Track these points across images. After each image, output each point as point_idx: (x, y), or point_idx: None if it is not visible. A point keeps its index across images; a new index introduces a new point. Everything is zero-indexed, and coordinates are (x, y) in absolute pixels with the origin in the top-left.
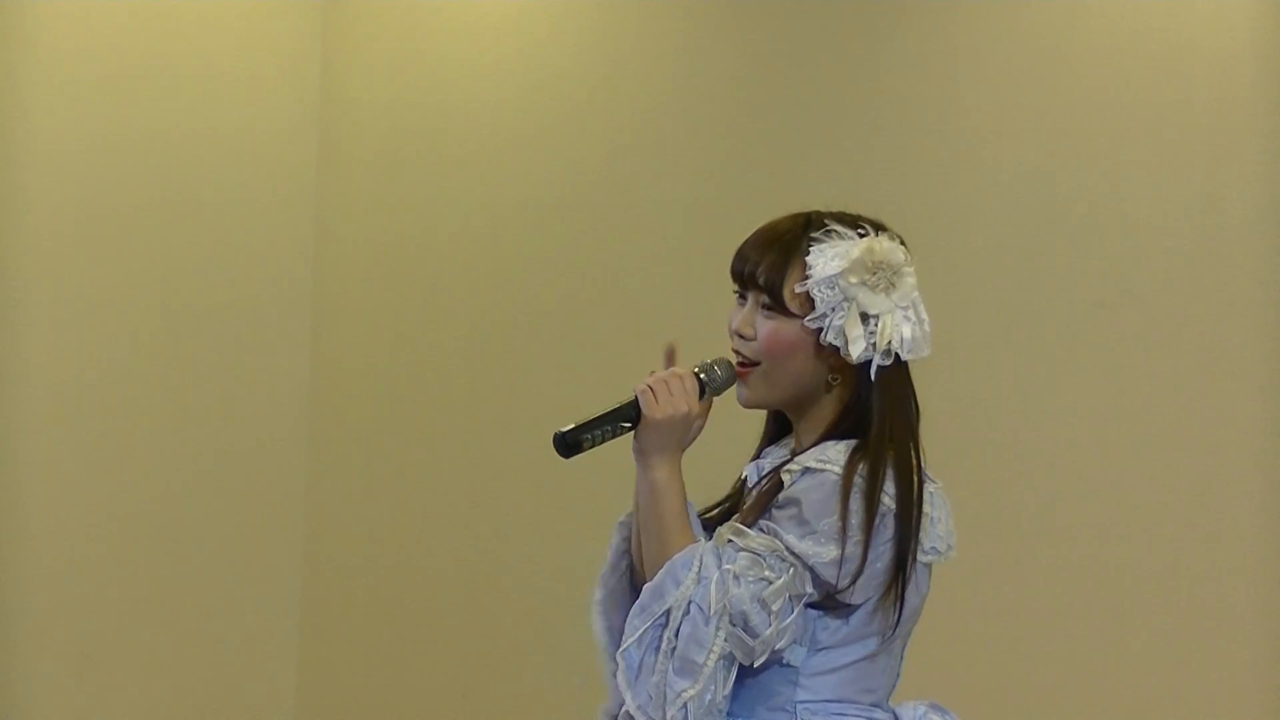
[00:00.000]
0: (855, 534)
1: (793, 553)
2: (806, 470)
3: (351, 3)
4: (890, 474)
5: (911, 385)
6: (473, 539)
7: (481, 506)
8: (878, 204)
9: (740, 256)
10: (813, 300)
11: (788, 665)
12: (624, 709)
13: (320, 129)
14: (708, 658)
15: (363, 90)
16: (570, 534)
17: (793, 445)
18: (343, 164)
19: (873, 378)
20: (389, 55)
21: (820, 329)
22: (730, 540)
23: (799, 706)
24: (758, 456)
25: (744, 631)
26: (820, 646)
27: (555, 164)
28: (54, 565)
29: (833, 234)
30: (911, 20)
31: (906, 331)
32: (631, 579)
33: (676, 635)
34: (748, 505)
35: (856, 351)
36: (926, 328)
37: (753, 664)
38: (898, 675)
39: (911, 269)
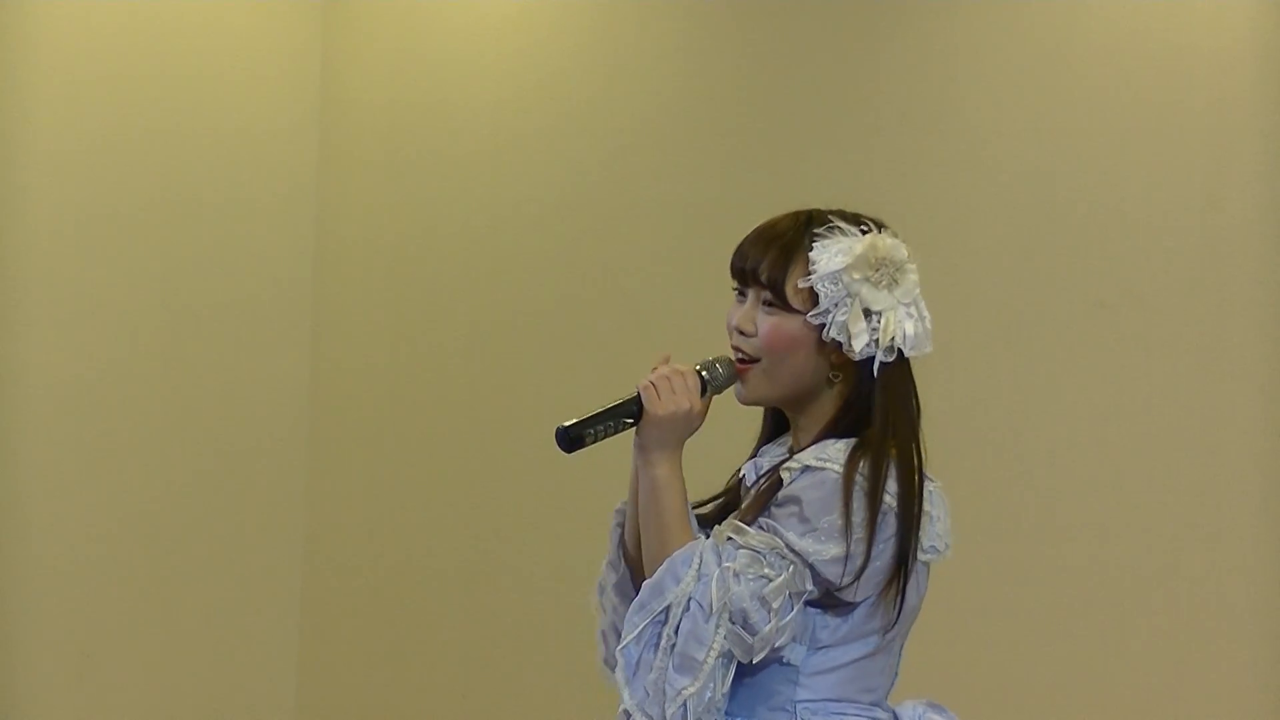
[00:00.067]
0: (857, 532)
1: (793, 550)
2: (806, 468)
3: (351, 3)
4: (892, 472)
5: (913, 382)
6: (473, 539)
7: (481, 506)
8: (878, 204)
9: (740, 254)
10: (815, 296)
11: (788, 664)
12: (622, 707)
13: (320, 129)
14: (707, 655)
15: (363, 90)
16: (570, 534)
17: (790, 444)
18: (343, 164)
19: (875, 374)
20: (389, 55)
21: (822, 325)
22: (730, 538)
23: (799, 706)
24: (755, 455)
25: (743, 629)
26: (820, 645)
27: (555, 164)
28: (54, 565)
29: (836, 230)
30: (911, 20)
31: (909, 328)
32: (626, 564)
33: (676, 632)
34: (747, 503)
35: (860, 347)
36: (928, 324)
37: (751, 661)
38: (896, 674)
39: (914, 266)
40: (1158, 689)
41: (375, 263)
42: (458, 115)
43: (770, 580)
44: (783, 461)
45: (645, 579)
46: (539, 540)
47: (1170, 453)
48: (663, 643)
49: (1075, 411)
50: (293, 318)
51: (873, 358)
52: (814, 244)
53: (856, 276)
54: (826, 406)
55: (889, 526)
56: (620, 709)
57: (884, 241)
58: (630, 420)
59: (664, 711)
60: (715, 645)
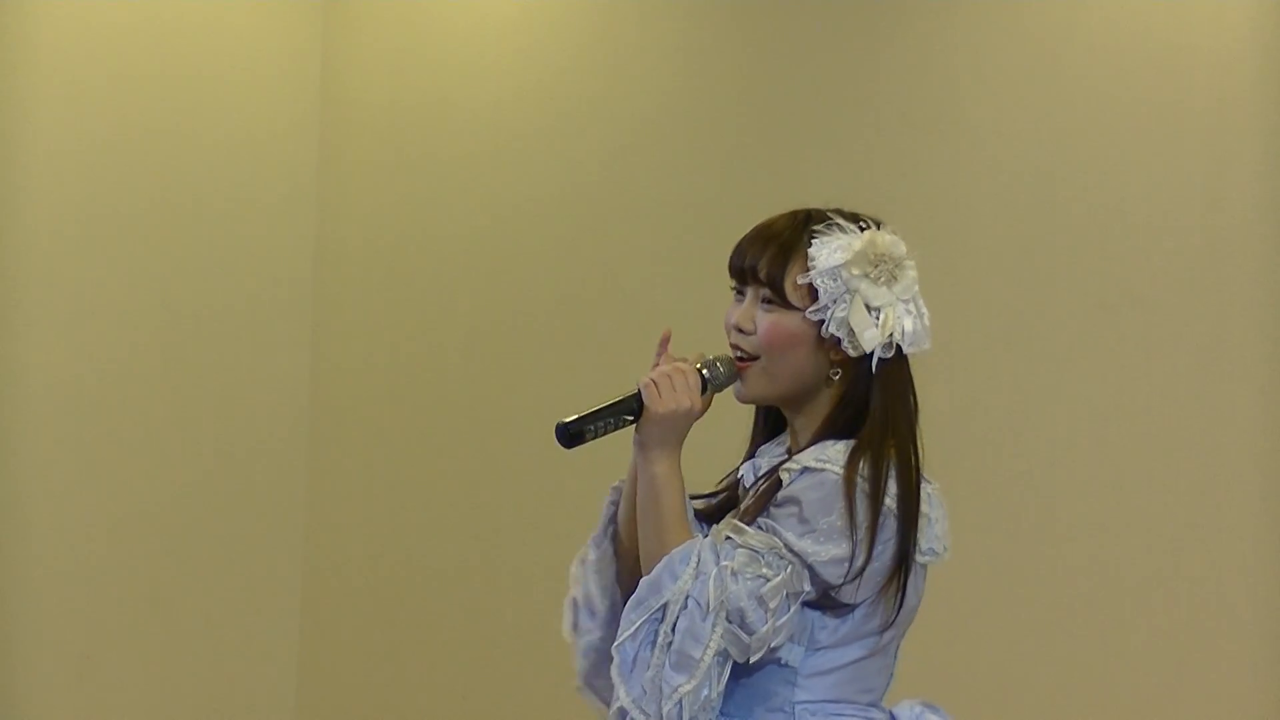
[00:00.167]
0: (858, 534)
1: (792, 550)
2: (806, 469)
3: (351, 3)
4: (892, 473)
5: (911, 379)
6: (473, 539)
7: (481, 506)
8: (878, 203)
9: (739, 252)
10: (815, 292)
11: (786, 665)
12: (618, 704)
13: (320, 129)
14: (704, 653)
15: (363, 90)
16: (570, 534)
17: (788, 444)
18: (343, 164)
19: (874, 370)
20: (389, 55)
21: (822, 321)
22: (728, 537)
23: (797, 707)
24: (752, 455)
25: (740, 628)
26: (819, 646)
27: (555, 164)
28: (54, 566)
29: (834, 227)
30: (911, 20)
31: (908, 324)
32: (615, 548)
33: (673, 630)
34: (746, 504)
35: (863, 343)
36: (926, 321)
37: (748, 661)
38: (892, 675)
39: (912, 262)
40: (1158, 689)
41: (375, 263)
42: (458, 115)
43: (768, 580)
44: (782, 462)
45: (639, 574)
46: (539, 540)
47: (1170, 453)
48: (659, 640)
49: (1075, 412)
50: (293, 318)
51: (872, 354)
52: (813, 241)
53: (855, 272)
54: (825, 405)
55: (888, 528)
56: (615, 706)
57: (883, 238)
58: (630, 417)
59: (660, 709)
60: (712, 644)
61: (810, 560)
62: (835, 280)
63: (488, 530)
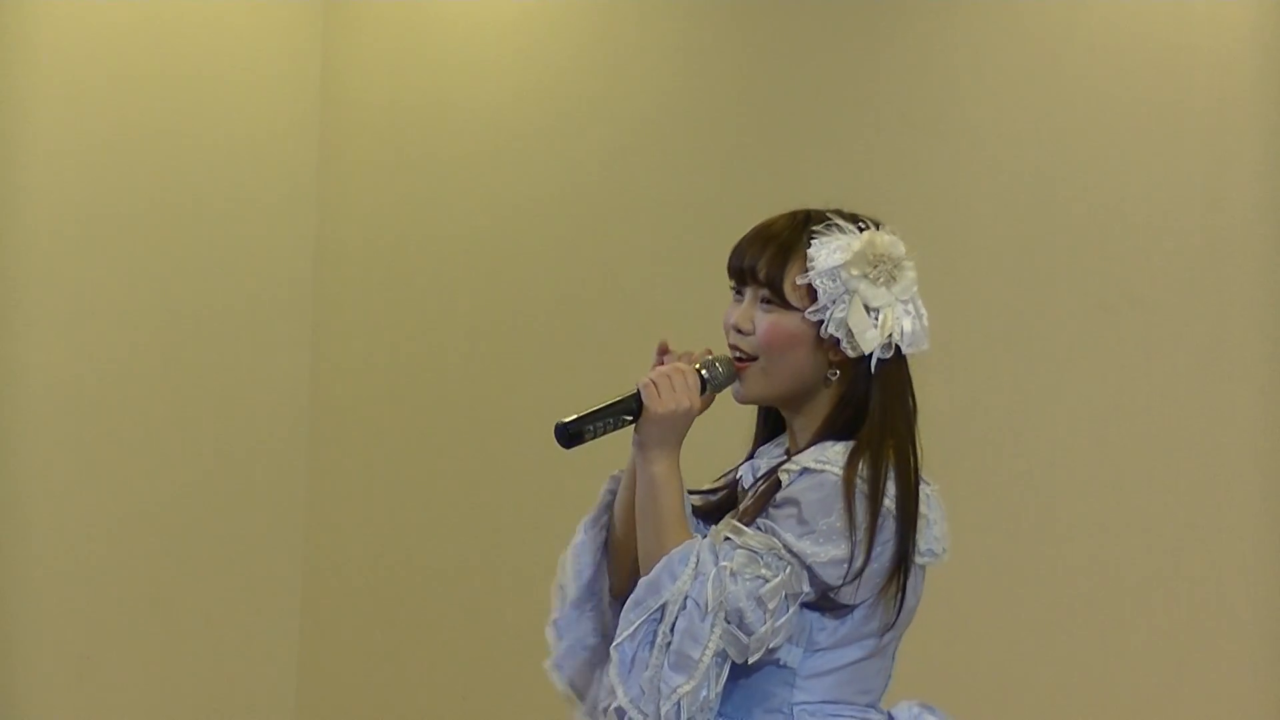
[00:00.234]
0: (857, 534)
1: (791, 551)
2: (805, 470)
3: (351, 3)
4: (891, 474)
5: (910, 380)
6: (473, 539)
7: (482, 507)
8: (878, 203)
9: (738, 253)
10: (814, 293)
11: (784, 667)
12: (615, 704)
13: (320, 130)
14: (703, 653)
15: (363, 91)
16: (570, 534)
17: (787, 445)
18: (343, 165)
19: (873, 371)
20: (389, 56)
21: (821, 321)
22: (727, 538)
23: (795, 708)
24: (751, 457)
25: (739, 629)
26: (817, 648)
27: (555, 164)
28: (54, 566)
29: (833, 228)
30: (911, 20)
31: (907, 325)
32: (606, 537)
33: (672, 630)
34: (745, 505)
35: (862, 343)
36: (925, 322)
37: (747, 662)
38: (889, 676)
39: (911, 263)
40: (1158, 689)
41: (375, 263)
42: (458, 115)
43: (767, 581)
44: (781, 463)
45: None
46: (539, 540)
47: (1170, 453)
48: (658, 640)
49: (1075, 412)
50: (293, 318)
51: (870, 355)
52: (812, 241)
53: (855, 273)
54: (824, 405)
55: (887, 529)
56: (614, 706)
57: (881, 238)
58: (630, 417)
59: (658, 709)
60: (711, 644)
61: (809, 561)
62: (834, 281)
63: (488, 530)
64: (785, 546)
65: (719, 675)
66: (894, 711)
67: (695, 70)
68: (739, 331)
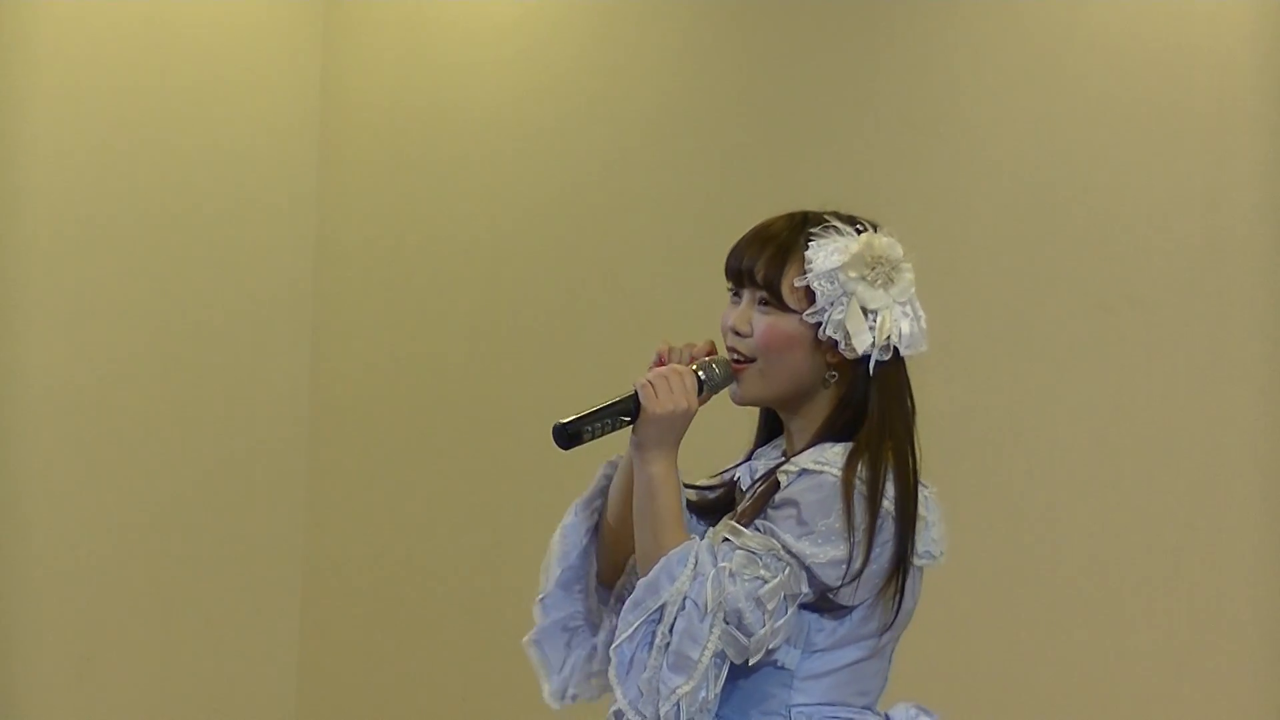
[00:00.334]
0: (856, 535)
1: (789, 552)
2: (804, 471)
3: (352, 5)
4: (890, 475)
5: (908, 382)
6: (473, 540)
7: (482, 507)
8: (878, 204)
9: (736, 254)
10: (811, 295)
11: (782, 668)
12: (614, 705)
13: (321, 131)
14: (702, 654)
15: (363, 93)
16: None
17: (785, 447)
18: (343, 167)
19: (871, 373)
20: (389, 58)
21: (819, 323)
22: (726, 539)
23: (793, 710)
24: (749, 458)
25: (738, 629)
26: (815, 649)
27: (555, 166)
28: (54, 567)
29: (831, 230)
30: (911, 21)
31: (905, 327)
32: (596, 522)
33: (671, 631)
34: (743, 506)
35: (860, 345)
36: (923, 323)
37: (746, 663)
38: (886, 678)
39: (909, 265)
40: (1158, 689)
41: (375, 265)
42: (458, 117)
43: (766, 582)
44: (779, 464)
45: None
46: (539, 540)
47: (1170, 453)
48: (657, 641)
49: (1075, 412)
50: (293, 319)
51: (869, 356)
52: (809, 243)
53: (853, 275)
54: (822, 407)
55: (887, 530)
56: (612, 708)
57: (879, 240)
58: (627, 418)
59: (657, 710)
60: (710, 645)
61: (808, 562)
62: (832, 283)
63: (488, 530)
64: (784, 547)
65: (718, 676)
66: (891, 713)
67: (695, 71)
68: (736, 333)
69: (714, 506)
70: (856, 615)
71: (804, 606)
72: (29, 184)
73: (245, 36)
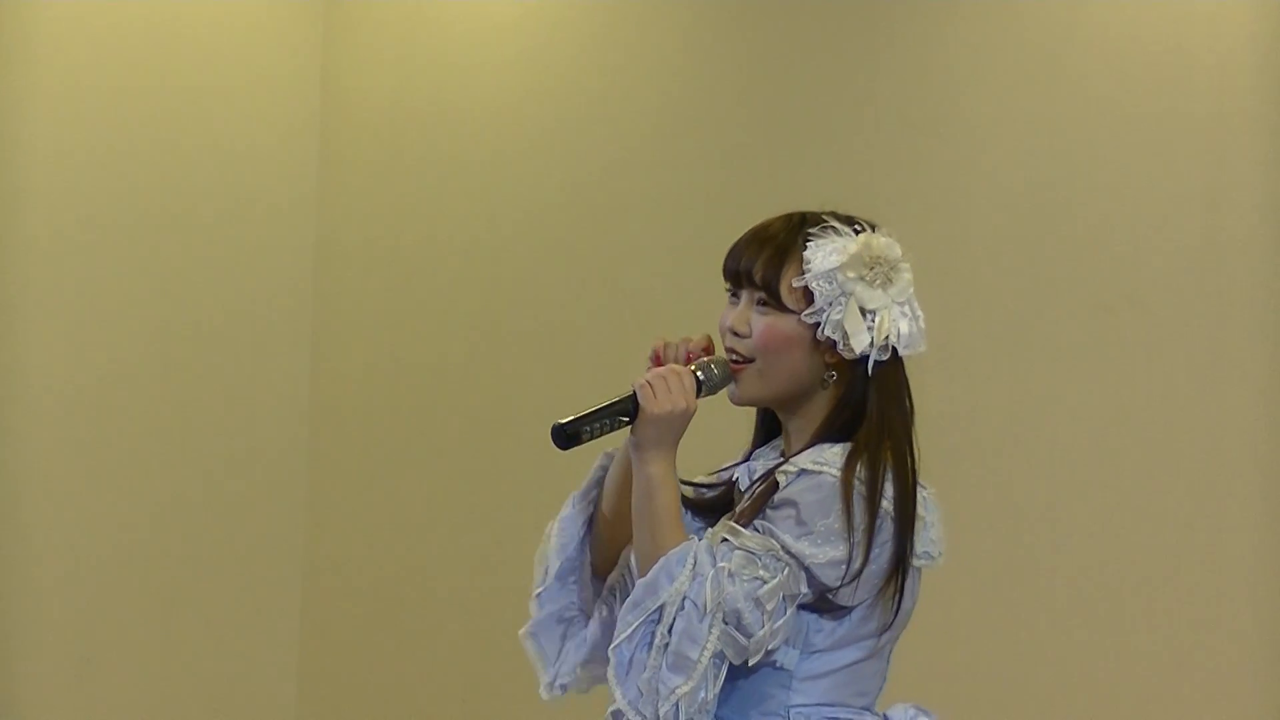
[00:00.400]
0: (855, 536)
1: (788, 552)
2: (803, 472)
3: (352, 5)
4: (889, 475)
5: (907, 382)
6: (473, 540)
7: (481, 507)
8: (878, 205)
9: (734, 255)
10: (810, 295)
11: (781, 669)
12: (612, 707)
13: (321, 132)
14: (701, 654)
15: (363, 93)
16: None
17: (783, 447)
18: (343, 167)
19: (869, 373)
20: (390, 58)
21: (817, 324)
22: (725, 539)
23: (792, 710)
24: (748, 459)
25: (737, 630)
26: (814, 650)
27: (556, 166)
28: (54, 568)
29: (829, 230)
30: (911, 21)
31: (904, 327)
32: (592, 514)
33: (670, 631)
34: (742, 506)
35: (859, 345)
36: (922, 324)
37: (745, 663)
38: (885, 679)
39: (908, 265)
40: (1158, 689)
41: (375, 265)
42: (458, 117)
43: (765, 582)
44: (778, 465)
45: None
46: (538, 540)
47: (1170, 453)
48: (656, 641)
49: (1075, 412)
50: (293, 320)
51: (867, 357)
52: (808, 244)
53: (851, 275)
54: (820, 407)
55: (886, 530)
56: (610, 708)
57: (878, 240)
58: (626, 419)
59: (657, 710)
60: (709, 645)
61: (807, 562)
62: (830, 283)
63: (487, 530)
64: (783, 548)
65: (717, 676)
66: (889, 714)
67: (695, 70)
68: (735, 334)
69: (712, 506)
70: (855, 616)
71: (803, 607)
72: (29, 184)
73: (245, 36)
